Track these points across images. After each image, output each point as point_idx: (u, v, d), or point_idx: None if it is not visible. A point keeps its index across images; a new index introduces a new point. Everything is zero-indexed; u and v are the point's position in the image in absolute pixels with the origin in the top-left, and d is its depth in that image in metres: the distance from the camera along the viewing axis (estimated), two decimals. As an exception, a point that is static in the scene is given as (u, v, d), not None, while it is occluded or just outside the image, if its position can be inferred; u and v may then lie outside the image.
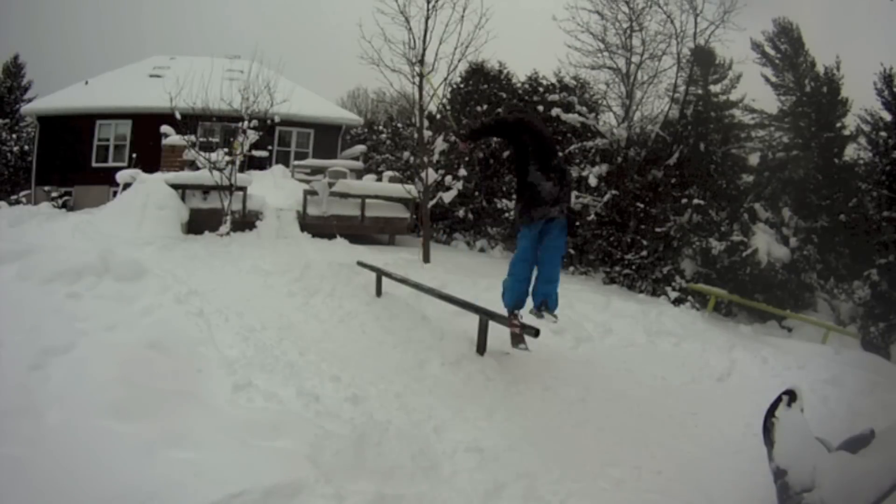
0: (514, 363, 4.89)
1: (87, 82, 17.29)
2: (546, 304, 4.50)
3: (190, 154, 10.27)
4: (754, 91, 12.40)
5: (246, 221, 9.51)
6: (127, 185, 9.96)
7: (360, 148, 15.84)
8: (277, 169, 13.13)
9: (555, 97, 11.77)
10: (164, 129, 11.17)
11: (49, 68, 28.65)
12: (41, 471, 2.48)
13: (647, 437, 3.91)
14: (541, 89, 12.91)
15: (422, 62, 9.15)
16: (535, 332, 4.52)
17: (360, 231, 10.64)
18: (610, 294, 8.34)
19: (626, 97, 11.36)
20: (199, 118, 9.95)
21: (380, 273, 6.68)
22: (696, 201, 10.16)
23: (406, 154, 13.59)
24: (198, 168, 9.94)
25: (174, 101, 9.21)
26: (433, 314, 5.93)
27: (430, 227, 10.19)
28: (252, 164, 12.50)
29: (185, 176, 9.83)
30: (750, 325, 8.84)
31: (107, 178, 13.69)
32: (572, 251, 10.92)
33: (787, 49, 12.33)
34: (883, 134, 11.24)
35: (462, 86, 13.60)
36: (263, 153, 13.73)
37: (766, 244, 9.77)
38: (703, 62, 11.54)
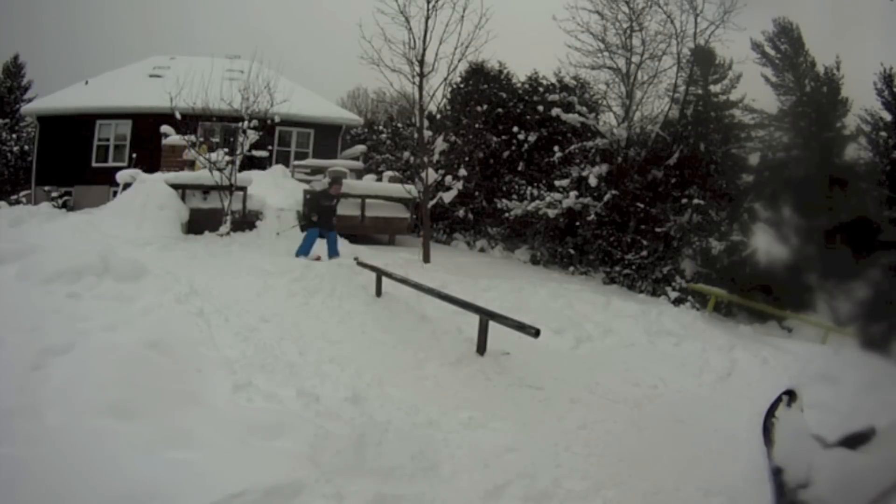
0: (514, 363, 4.89)
1: (87, 82, 17.28)
2: None
3: (190, 154, 10.27)
4: (754, 91, 12.35)
5: (246, 221, 9.51)
6: (127, 185, 9.96)
7: (360, 148, 15.82)
8: (277, 169, 13.09)
9: (555, 97, 11.75)
10: (164, 129, 11.17)
11: (49, 68, 28.70)
12: (41, 471, 2.48)
13: (647, 437, 3.92)
14: (541, 89, 12.88)
15: (422, 62, 9.15)
16: (536, 332, 4.51)
17: (360, 231, 10.64)
18: (610, 294, 8.35)
19: (626, 97, 11.34)
20: (199, 118, 9.95)
21: (380, 273, 6.68)
22: (696, 201, 10.15)
23: (406, 154, 13.57)
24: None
25: (174, 101, 9.22)
26: (433, 314, 5.94)
27: (430, 227, 10.19)
28: (252, 164, 12.52)
29: (185, 176, 9.83)
30: (750, 325, 8.84)
31: (107, 178, 13.68)
32: (572, 251, 10.90)
33: (787, 49, 12.28)
34: (883, 134, 11.23)
35: (462, 86, 13.58)
36: (263, 153, 13.73)
37: (766, 244, 9.76)
38: (703, 62, 11.52)
